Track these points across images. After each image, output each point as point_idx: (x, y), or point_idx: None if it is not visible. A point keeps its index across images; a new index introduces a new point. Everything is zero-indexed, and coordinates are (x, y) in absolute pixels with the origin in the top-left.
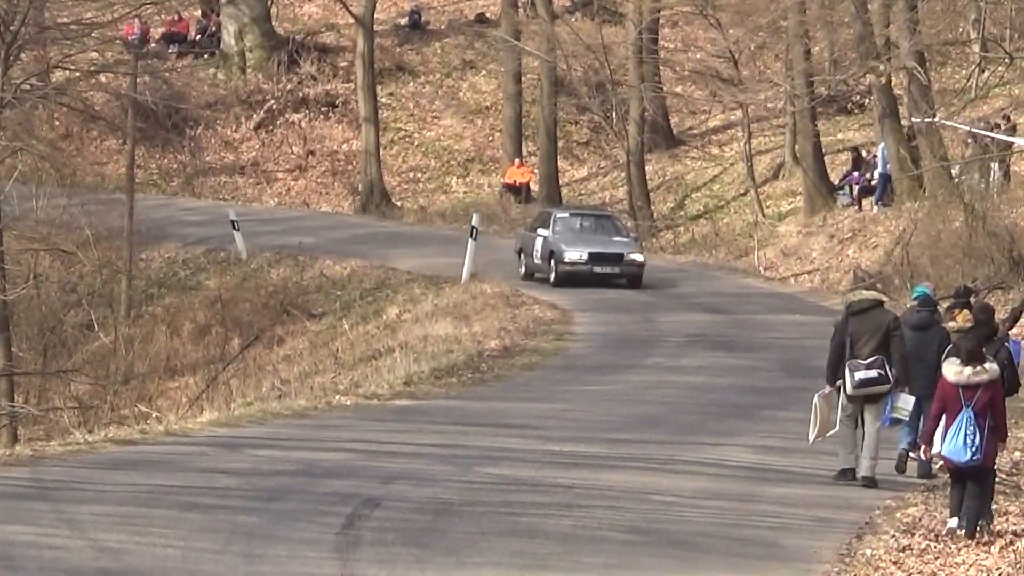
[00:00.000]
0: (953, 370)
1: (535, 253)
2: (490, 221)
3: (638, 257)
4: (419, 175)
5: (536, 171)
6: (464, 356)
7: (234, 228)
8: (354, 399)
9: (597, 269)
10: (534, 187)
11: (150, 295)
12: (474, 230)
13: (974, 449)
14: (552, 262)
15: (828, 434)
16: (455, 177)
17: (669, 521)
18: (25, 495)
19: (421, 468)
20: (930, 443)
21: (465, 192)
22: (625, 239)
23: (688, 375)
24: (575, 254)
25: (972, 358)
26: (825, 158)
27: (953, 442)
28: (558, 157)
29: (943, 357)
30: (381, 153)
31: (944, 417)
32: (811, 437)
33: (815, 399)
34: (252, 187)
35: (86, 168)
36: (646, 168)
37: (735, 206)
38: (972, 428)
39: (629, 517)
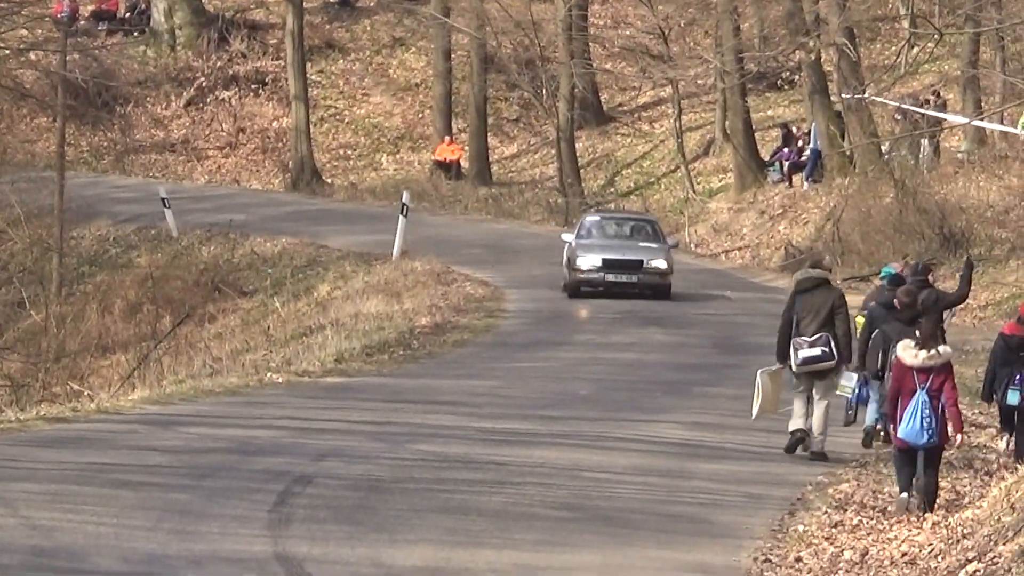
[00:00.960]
0: (909, 353)
1: (563, 261)
2: (420, 198)
3: (660, 264)
4: (349, 152)
5: (466, 148)
6: (395, 333)
7: (165, 206)
8: (286, 376)
9: (611, 277)
10: (464, 164)
11: (81, 273)
12: (404, 207)
13: (930, 432)
14: (568, 270)
15: (773, 412)
16: (385, 154)
17: (601, 497)
18: None
19: (353, 445)
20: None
21: (395, 169)
22: (655, 245)
23: (619, 352)
24: (589, 261)
25: (928, 341)
26: (755, 134)
27: (910, 424)
28: (488, 134)
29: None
30: (311, 130)
31: (900, 399)
32: (754, 412)
33: (758, 375)
34: (183, 165)
35: (16, 146)
36: (576, 145)
37: (666, 183)
38: (927, 411)
39: (561, 494)
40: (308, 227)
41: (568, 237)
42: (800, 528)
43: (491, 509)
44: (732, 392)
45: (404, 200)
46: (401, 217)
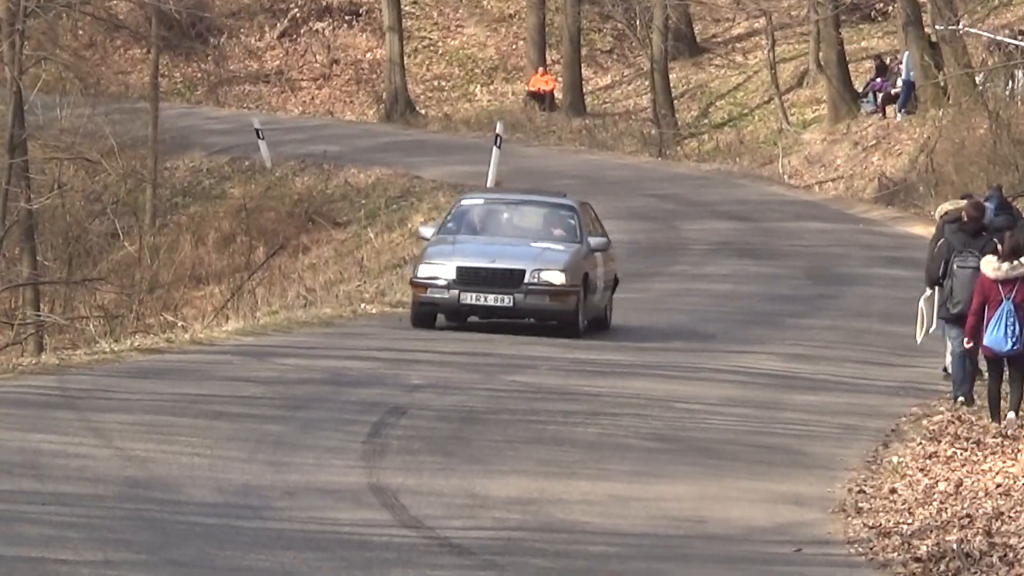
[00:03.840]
0: (991, 267)
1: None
2: (514, 129)
3: (554, 276)
4: (443, 83)
5: (560, 79)
6: None
7: (258, 137)
8: (379, 307)
9: (468, 299)
10: (558, 95)
11: (175, 204)
12: (498, 138)
13: (1014, 339)
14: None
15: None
16: (479, 85)
17: (694, 428)
18: (51, 404)
19: (446, 376)
20: (972, 338)
21: (489, 100)
22: (560, 246)
23: (713, 283)
24: (433, 269)
25: (1012, 254)
26: (849, 66)
27: (995, 332)
28: (582, 65)
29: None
30: (405, 62)
31: (986, 311)
32: (919, 338)
33: (920, 303)
34: (276, 96)
35: (110, 77)
36: (670, 76)
37: (759, 114)
38: (1012, 319)
39: (655, 425)
40: (402, 158)
41: (426, 230)
42: (894, 459)
43: (585, 440)
44: (826, 323)
45: (498, 131)
46: (495, 148)
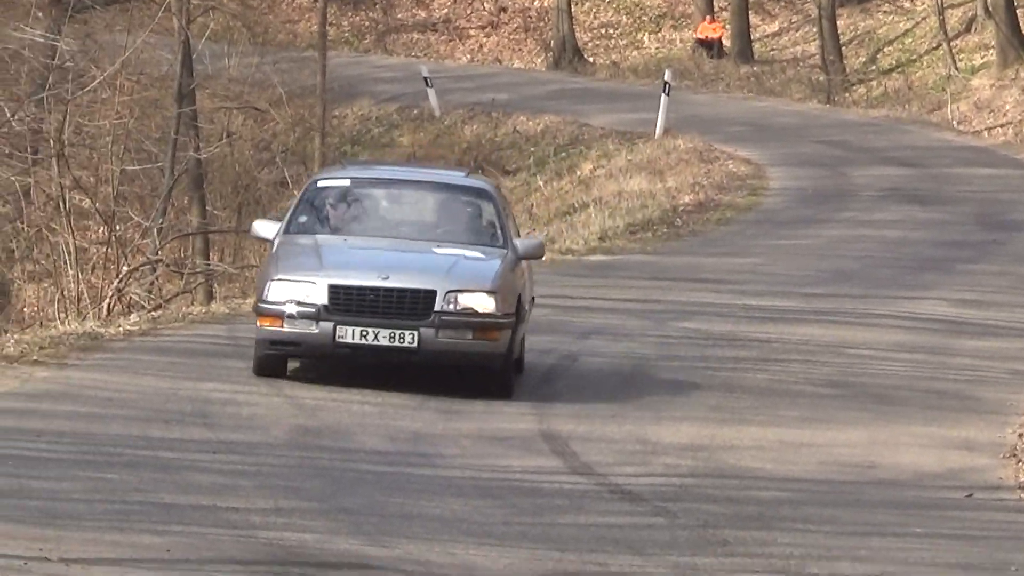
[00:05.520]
0: None
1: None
2: (682, 77)
3: (480, 302)
4: (611, 31)
5: (728, 26)
6: (658, 211)
7: (427, 85)
8: (549, 255)
9: (347, 335)
10: (726, 43)
11: (343, 152)
12: (667, 85)
13: None
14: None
15: None
16: (647, 33)
17: (865, 374)
18: (221, 353)
19: (617, 323)
20: None
21: (657, 48)
22: (478, 254)
23: (882, 229)
24: (288, 289)
25: None
26: (1017, 11)
27: None
28: (749, 12)
29: None
30: (572, 9)
31: None
32: None
33: None
34: (444, 44)
35: (277, 26)
36: (837, 23)
37: (927, 60)
38: None
39: (825, 371)
40: (570, 106)
41: (265, 227)
42: None
43: (755, 386)
44: (996, 269)
45: (666, 78)
46: (663, 95)
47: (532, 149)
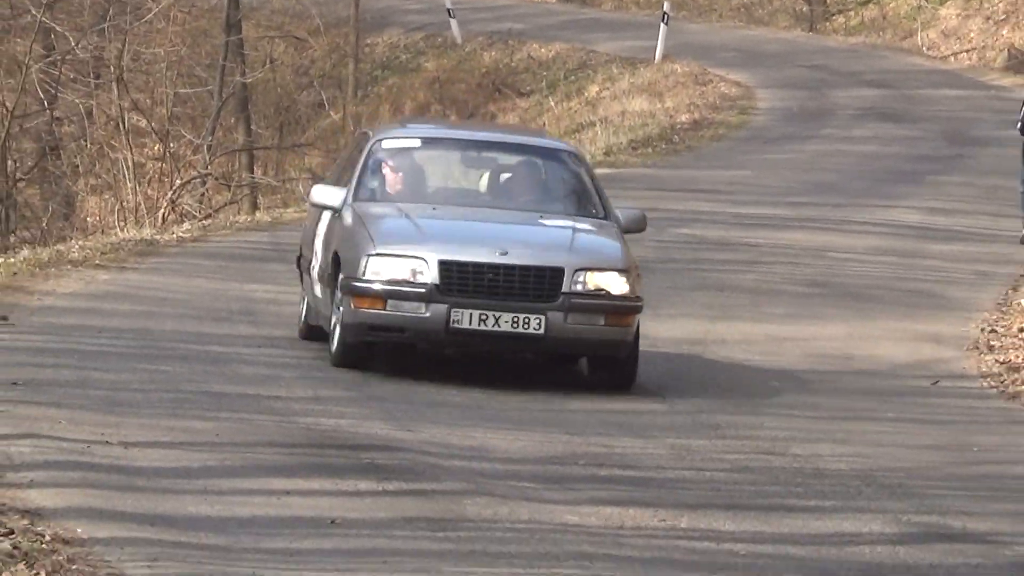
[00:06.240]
0: None
1: (312, 268)
2: (679, 8)
3: (612, 282)
4: None
5: None
6: (658, 129)
7: (450, 16)
8: None
9: (465, 319)
10: None
11: (375, 77)
12: (665, 15)
13: None
14: (321, 290)
15: None
16: None
17: (844, 275)
18: (264, 257)
19: None
20: None
21: None
22: (587, 225)
23: (859, 144)
24: (393, 264)
25: None
26: None
27: None
28: None
29: None
30: None
31: None
32: None
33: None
34: None
35: None
36: None
37: None
38: None
39: (808, 272)
40: (578, 34)
41: (327, 195)
42: (1023, 302)
43: (745, 286)
44: (961, 180)
45: (665, 9)
46: (662, 24)
47: (544, 73)
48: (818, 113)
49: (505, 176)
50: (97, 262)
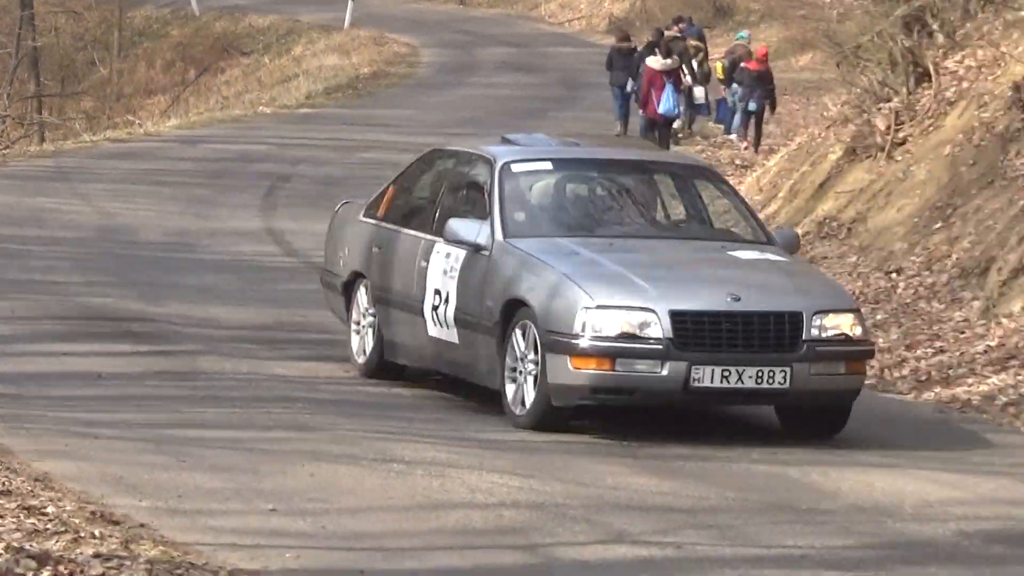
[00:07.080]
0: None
1: (421, 305)
2: None
3: (849, 324)
4: None
5: None
6: (346, 79)
7: None
8: (272, 109)
9: (706, 377)
10: None
11: (133, 41)
12: None
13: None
14: (507, 346)
15: None
16: None
17: None
18: (50, 177)
19: (317, 155)
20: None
21: None
22: (766, 254)
23: (499, 89)
24: (618, 317)
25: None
26: None
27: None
28: None
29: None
30: None
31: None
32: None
33: None
34: None
35: None
36: None
37: None
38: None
39: None
40: (287, 8)
41: (468, 231)
42: None
43: None
44: (574, 115)
45: None
46: (350, 1)
47: (261, 38)
48: (467, 66)
49: (657, 200)
50: None
